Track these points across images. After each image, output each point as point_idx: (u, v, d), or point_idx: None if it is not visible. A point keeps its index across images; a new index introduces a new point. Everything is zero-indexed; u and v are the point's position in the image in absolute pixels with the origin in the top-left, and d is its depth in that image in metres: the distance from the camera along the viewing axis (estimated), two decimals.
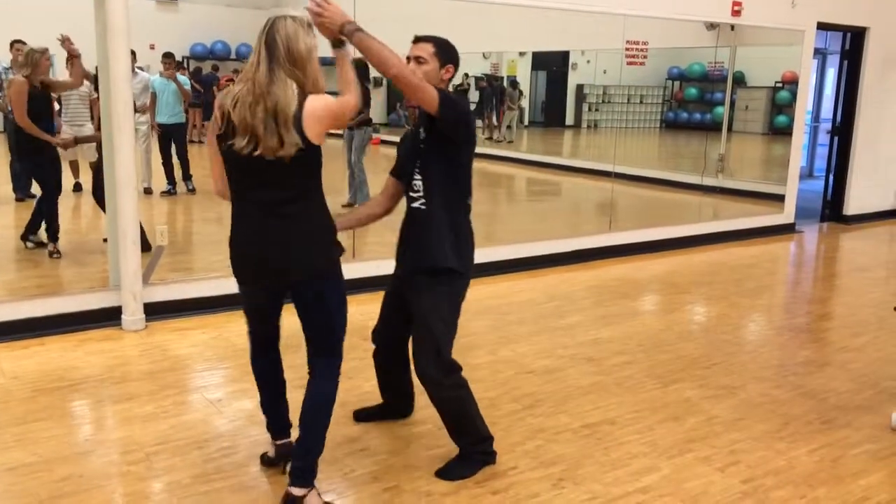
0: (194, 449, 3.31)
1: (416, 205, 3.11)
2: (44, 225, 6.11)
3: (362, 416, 3.63)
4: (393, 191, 3.29)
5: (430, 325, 3.07)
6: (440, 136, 2.99)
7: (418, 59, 3.02)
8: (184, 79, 8.80)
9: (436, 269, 3.07)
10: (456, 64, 3.09)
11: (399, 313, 3.28)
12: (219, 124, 2.68)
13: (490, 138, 11.96)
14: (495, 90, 11.55)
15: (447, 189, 3.08)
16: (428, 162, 3.07)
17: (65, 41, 5.48)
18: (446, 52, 3.06)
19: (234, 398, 3.85)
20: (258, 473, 3.13)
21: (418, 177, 3.09)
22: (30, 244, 6.24)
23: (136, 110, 5.66)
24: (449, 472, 3.16)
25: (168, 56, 8.56)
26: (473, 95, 11.58)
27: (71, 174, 8.05)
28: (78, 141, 6.33)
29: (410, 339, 3.20)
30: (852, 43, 9.04)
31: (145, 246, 5.22)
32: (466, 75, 11.15)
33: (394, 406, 3.63)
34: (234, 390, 3.96)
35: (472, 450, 3.21)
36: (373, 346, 3.48)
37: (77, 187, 8.23)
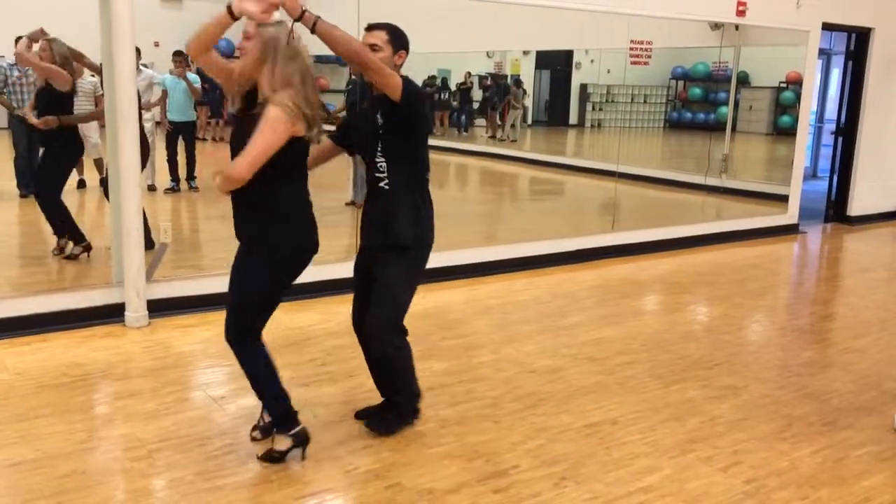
0: (197, 446, 3.31)
1: (381, 185, 3.29)
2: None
3: (363, 415, 3.63)
4: (329, 154, 3.49)
5: (391, 291, 3.30)
6: (398, 121, 3.20)
7: (373, 47, 3.15)
8: (194, 77, 8.82)
9: (400, 244, 3.28)
10: (407, 49, 3.23)
11: (369, 292, 3.39)
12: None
13: (493, 137, 11.96)
14: (500, 89, 11.55)
15: (409, 169, 3.29)
16: (389, 146, 3.24)
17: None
18: (399, 39, 3.20)
19: (236, 395, 3.86)
20: (261, 470, 3.14)
21: (381, 159, 3.26)
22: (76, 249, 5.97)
23: (140, 107, 5.64)
24: (382, 424, 3.47)
25: (179, 54, 8.59)
26: (476, 94, 11.58)
27: (75, 171, 8.05)
28: (62, 122, 6.10)
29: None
30: (857, 43, 9.02)
31: (149, 243, 5.22)
32: (469, 74, 11.14)
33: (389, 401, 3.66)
34: (237, 388, 3.96)
35: (406, 406, 3.51)
36: None
37: (81, 184, 8.23)
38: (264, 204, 2.94)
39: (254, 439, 3.32)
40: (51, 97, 5.74)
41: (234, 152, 2.91)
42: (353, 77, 6.90)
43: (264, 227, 2.98)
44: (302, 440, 3.19)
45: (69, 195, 6.13)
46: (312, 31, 2.90)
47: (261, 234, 3.00)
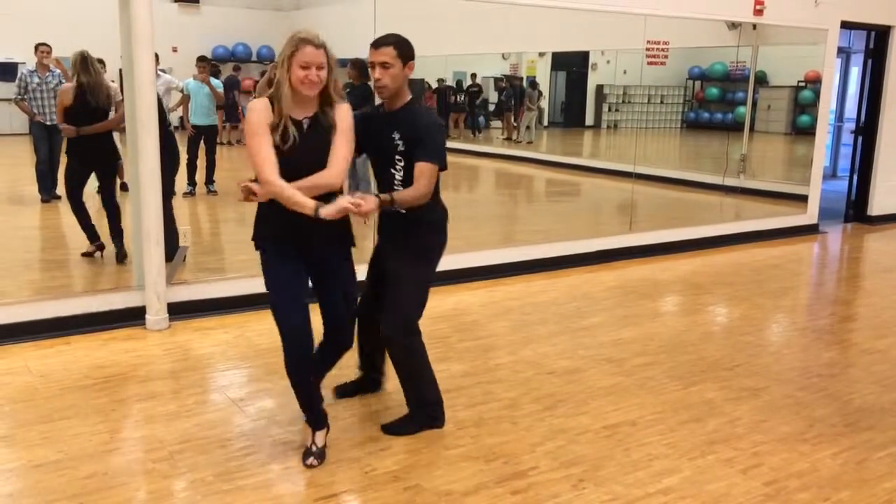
0: (217, 447, 3.34)
1: (397, 190, 3.31)
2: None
3: (340, 392, 3.83)
4: None
5: (405, 290, 3.35)
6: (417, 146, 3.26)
7: (384, 65, 3.18)
8: (217, 82, 8.94)
9: (419, 247, 3.38)
10: (414, 58, 3.27)
11: (378, 290, 3.49)
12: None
13: (509, 139, 11.95)
14: (515, 91, 11.54)
15: (435, 187, 3.32)
16: (408, 164, 3.27)
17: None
18: (406, 51, 3.23)
19: (256, 398, 3.88)
20: (281, 471, 3.16)
21: (399, 172, 3.30)
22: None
23: (167, 112, 5.72)
24: (393, 427, 3.49)
25: (202, 59, 8.73)
26: (492, 96, 11.59)
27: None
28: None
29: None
30: (876, 42, 8.93)
31: (171, 253, 5.21)
32: (474, 76, 11.13)
33: (368, 380, 3.87)
34: (256, 390, 3.99)
35: (418, 410, 3.51)
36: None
37: (123, 187, 8.31)
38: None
39: (311, 466, 3.21)
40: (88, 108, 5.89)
41: (304, 163, 3.00)
42: (350, 80, 6.92)
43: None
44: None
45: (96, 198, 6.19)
46: (392, 204, 3.15)
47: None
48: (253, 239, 3.20)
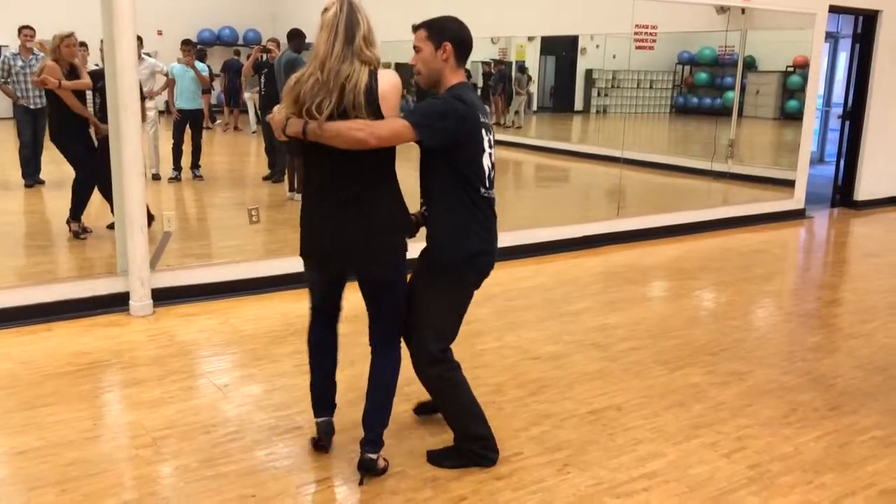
0: (201, 433, 3.32)
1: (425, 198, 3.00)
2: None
3: (422, 410, 3.53)
4: None
5: (421, 314, 3.02)
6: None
7: (416, 49, 2.94)
8: (202, 65, 8.86)
9: (432, 261, 3.01)
10: (455, 40, 2.90)
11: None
12: None
13: (498, 124, 11.91)
14: (503, 75, 11.49)
15: (450, 189, 2.91)
16: (428, 166, 2.94)
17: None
18: (439, 32, 2.91)
19: (240, 383, 3.87)
20: (265, 458, 3.15)
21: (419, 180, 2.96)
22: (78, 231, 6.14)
23: (143, 96, 5.67)
24: (437, 456, 3.15)
25: (187, 43, 8.64)
26: (480, 81, 11.53)
27: None
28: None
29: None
30: (864, 26, 8.93)
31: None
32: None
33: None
34: (241, 376, 3.98)
35: (464, 445, 3.13)
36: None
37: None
38: None
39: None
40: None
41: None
42: None
43: None
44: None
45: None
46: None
47: None
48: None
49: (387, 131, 2.68)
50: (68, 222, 6.12)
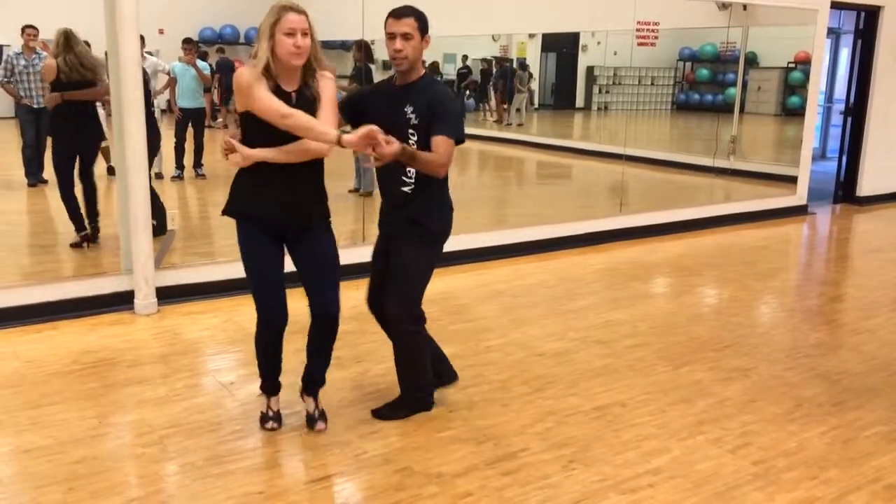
0: (207, 431, 3.33)
1: (405, 189, 3.27)
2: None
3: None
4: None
5: (410, 275, 3.33)
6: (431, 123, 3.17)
7: (405, 36, 3.12)
8: (204, 64, 8.86)
9: (422, 232, 3.32)
10: (429, 32, 3.23)
11: (380, 269, 3.44)
12: None
13: (499, 122, 11.91)
14: (504, 72, 11.49)
15: None
16: (423, 137, 3.18)
17: None
18: (424, 23, 3.18)
19: (245, 381, 3.87)
20: (271, 455, 3.16)
21: (413, 148, 3.14)
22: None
23: (152, 95, 5.70)
24: (383, 412, 3.48)
25: (188, 41, 8.62)
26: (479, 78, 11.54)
27: (103, 159, 8.03)
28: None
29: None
30: (866, 22, 8.92)
31: (161, 229, 5.22)
32: (465, 58, 11.06)
33: (437, 374, 3.67)
34: (246, 374, 3.98)
35: (409, 394, 3.51)
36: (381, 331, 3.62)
37: (111, 171, 8.23)
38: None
39: (272, 430, 3.36)
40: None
41: (295, 136, 3.00)
42: (358, 64, 6.90)
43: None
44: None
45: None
46: (412, 159, 3.10)
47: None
48: (227, 212, 3.16)
49: (449, 157, 3.18)
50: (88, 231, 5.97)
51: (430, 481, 2.98)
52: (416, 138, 3.20)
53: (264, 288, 3.18)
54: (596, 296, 5.47)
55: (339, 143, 2.88)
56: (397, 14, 3.15)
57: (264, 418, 3.38)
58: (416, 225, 3.30)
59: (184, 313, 4.87)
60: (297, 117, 2.88)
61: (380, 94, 3.34)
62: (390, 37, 3.15)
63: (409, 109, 3.21)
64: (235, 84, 2.94)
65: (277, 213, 3.08)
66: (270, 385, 3.39)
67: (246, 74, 2.92)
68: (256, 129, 2.97)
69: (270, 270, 3.16)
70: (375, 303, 3.53)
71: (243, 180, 3.10)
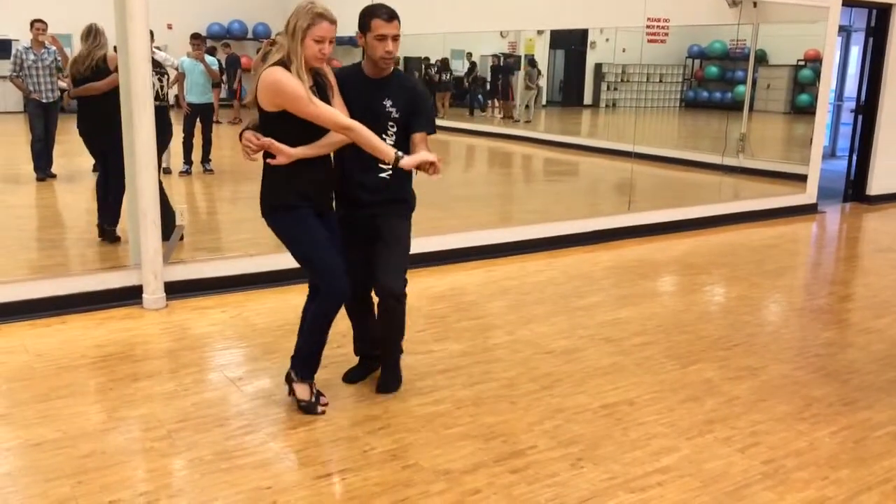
0: (216, 426, 3.33)
1: (383, 175, 3.44)
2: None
3: (350, 378, 3.82)
4: None
5: (404, 245, 3.53)
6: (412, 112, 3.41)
7: (395, 38, 3.31)
8: (212, 59, 8.88)
9: (405, 209, 3.58)
10: None
11: (362, 256, 3.50)
12: None
13: (507, 118, 11.89)
14: (511, 68, 11.46)
15: (407, 145, 3.44)
16: (400, 131, 3.42)
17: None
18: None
19: (254, 377, 3.88)
20: (280, 450, 3.16)
21: (391, 139, 3.40)
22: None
23: (166, 89, 5.69)
24: (385, 386, 3.68)
25: (196, 37, 8.65)
26: (488, 76, 11.51)
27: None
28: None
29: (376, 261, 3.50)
30: (878, 20, 8.87)
31: (170, 230, 5.18)
32: (470, 55, 11.02)
33: (372, 358, 3.83)
34: (254, 369, 3.99)
35: (392, 358, 3.71)
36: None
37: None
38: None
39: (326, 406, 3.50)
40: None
41: (321, 127, 3.22)
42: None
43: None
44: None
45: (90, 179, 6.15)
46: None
47: None
48: (274, 204, 3.30)
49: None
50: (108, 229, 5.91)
51: (437, 478, 2.98)
52: (395, 129, 3.42)
53: (336, 260, 3.30)
54: (604, 293, 5.45)
55: (397, 164, 3.15)
56: (388, 17, 3.29)
57: (312, 404, 3.46)
58: (400, 202, 3.55)
59: (192, 308, 4.87)
60: (359, 131, 3.14)
61: (356, 84, 3.42)
62: (381, 38, 3.29)
63: (387, 103, 3.39)
64: (270, 85, 3.08)
65: (318, 194, 3.34)
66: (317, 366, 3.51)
67: (292, 82, 3.07)
68: (287, 127, 3.15)
69: (331, 245, 3.33)
70: (360, 289, 3.58)
71: (281, 176, 3.24)
